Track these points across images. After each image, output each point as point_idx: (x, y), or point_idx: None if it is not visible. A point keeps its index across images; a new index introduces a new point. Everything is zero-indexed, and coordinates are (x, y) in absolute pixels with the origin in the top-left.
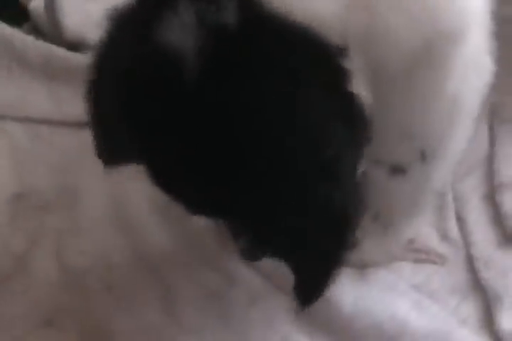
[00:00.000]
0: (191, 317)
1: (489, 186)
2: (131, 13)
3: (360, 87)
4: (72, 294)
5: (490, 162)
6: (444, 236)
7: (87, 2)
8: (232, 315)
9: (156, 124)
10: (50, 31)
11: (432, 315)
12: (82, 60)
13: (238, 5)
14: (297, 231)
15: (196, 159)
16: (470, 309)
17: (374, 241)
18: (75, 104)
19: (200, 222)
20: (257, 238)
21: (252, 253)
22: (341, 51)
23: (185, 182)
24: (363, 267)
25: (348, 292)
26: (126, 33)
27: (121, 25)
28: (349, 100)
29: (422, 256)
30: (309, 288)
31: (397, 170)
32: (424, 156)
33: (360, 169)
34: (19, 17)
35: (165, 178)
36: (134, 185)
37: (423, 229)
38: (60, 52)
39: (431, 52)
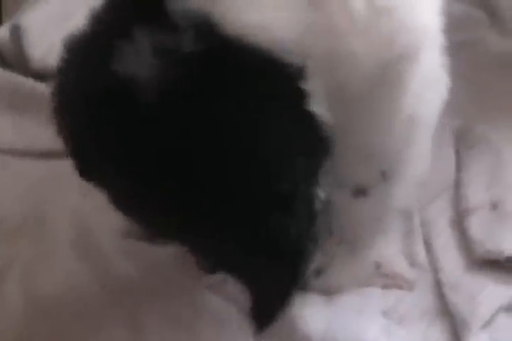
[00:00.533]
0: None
1: (456, 211)
2: (87, 41)
3: (320, 109)
4: (39, 322)
5: (456, 187)
6: (412, 261)
7: (52, 32)
8: (197, 337)
9: (113, 150)
10: (16, 61)
11: (401, 339)
12: (48, 89)
13: (196, 32)
14: (250, 259)
15: (150, 183)
16: (438, 334)
17: (340, 265)
18: (40, 134)
19: (165, 250)
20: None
21: (208, 267)
22: (300, 72)
23: (141, 204)
24: (329, 292)
25: (315, 317)
26: (83, 61)
27: (78, 52)
28: (310, 124)
29: (389, 281)
30: (264, 311)
31: (360, 191)
32: (385, 177)
33: (322, 196)
34: None
35: (122, 200)
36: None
37: (390, 254)
38: (27, 82)
39: (386, 73)
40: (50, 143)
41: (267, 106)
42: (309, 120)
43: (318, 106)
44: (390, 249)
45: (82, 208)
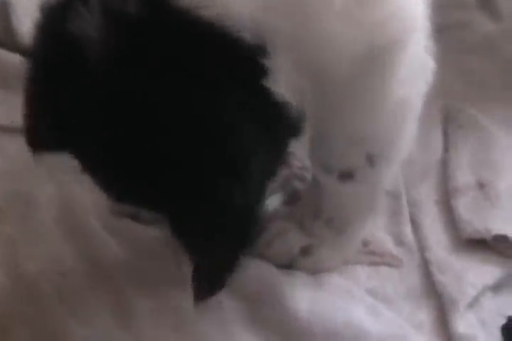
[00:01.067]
0: (145, 324)
1: (443, 191)
2: (55, 5)
3: (283, 88)
4: (23, 301)
5: (444, 167)
6: (399, 241)
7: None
8: (185, 320)
9: (66, 111)
10: (5, 37)
11: (387, 320)
12: None
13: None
14: (197, 223)
15: (97, 147)
16: (425, 313)
17: (327, 245)
18: None
19: (150, 228)
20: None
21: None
22: (257, 49)
23: (94, 168)
24: (316, 272)
25: (302, 296)
26: (47, 24)
27: (47, 17)
28: (265, 99)
29: (376, 258)
30: (206, 282)
31: (346, 175)
32: (371, 160)
33: (281, 169)
34: None
35: (85, 163)
36: (84, 193)
37: (378, 234)
38: (14, 57)
39: (375, 59)
40: None
41: (215, 77)
42: (265, 94)
43: (280, 83)
44: (377, 228)
45: (65, 185)
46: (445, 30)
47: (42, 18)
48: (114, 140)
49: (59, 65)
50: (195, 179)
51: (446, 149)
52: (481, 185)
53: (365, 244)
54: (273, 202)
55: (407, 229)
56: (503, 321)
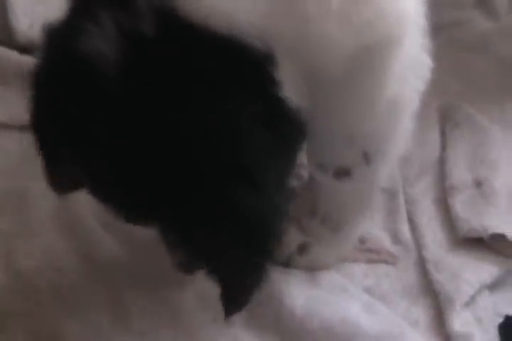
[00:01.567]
0: (140, 321)
1: (441, 189)
2: (61, 26)
3: (290, 92)
4: (20, 298)
5: (441, 165)
6: (396, 239)
7: (36, 5)
8: (181, 317)
9: (82, 128)
10: (3, 36)
11: (383, 317)
12: (33, 62)
13: (156, 16)
14: (215, 237)
15: (117, 164)
16: (421, 311)
17: (323, 243)
18: (22, 107)
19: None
20: (184, 245)
21: (187, 267)
22: (266, 56)
23: (111, 185)
24: (313, 269)
25: (299, 294)
26: (57, 44)
27: (53, 37)
28: (277, 106)
29: (373, 256)
30: (234, 295)
31: (342, 172)
32: (367, 158)
33: (293, 175)
34: None
35: (95, 183)
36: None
37: (374, 231)
38: (12, 54)
39: (369, 57)
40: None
41: (228, 87)
42: (276, 101)
43: (289, 90)
44: (374, 226)
45: None
46: (442, 29)
47: (50, 38)
48: (132, 154)
49: (73, 84)
50: (210, 190)
51: (443, 147)
52: (478, 184)
53: (362, 241)
54: None
55: (404, 227)
56: (500, 319)
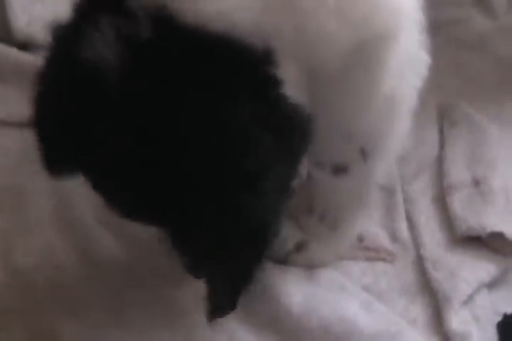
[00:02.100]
0: (138, 318)
1: (439, 188)
2: (63, 30)
3: (292, 91)
4: (18, 295)
5: (439, 164)
6: (394, 238)
7: (35, 2)
8: (178, 315)
9: (84, 130)
10: (1, 32)
11: (381, 315)
12: (32, 59)
13: (152, 19)
14: (215, 239)
15: (124, 168)
16: (419, 310)
17: (321, 241)
18: (21, 104)
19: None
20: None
21: (196, 270)
22: (266, 55)
23: (113, 188)
24: (311, 267)
25: (296, 292)
26: (61, 49)
27: (57, 41)
28: (279, 107)
29: (371, 254)
30: (221, 299)
31: (339, 169)
32: (364, 154)
33: (298, 177)
34: None
35: (98, 183)
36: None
37: (373, 230)
38: (10, 51)
39: (365, 52)
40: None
41: (228, 89)
42: (279, 102)
43: (290, 89)
44: (372, 224)
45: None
46: (440, 27)
47: (53, 44)
48: (135, 157)
49: (75, 89)
50: (213, 196)
51: (441, 146)
52: (476, 182)
53: (360, 239)
54: None
55: (402, 226)
56: (498, 318)
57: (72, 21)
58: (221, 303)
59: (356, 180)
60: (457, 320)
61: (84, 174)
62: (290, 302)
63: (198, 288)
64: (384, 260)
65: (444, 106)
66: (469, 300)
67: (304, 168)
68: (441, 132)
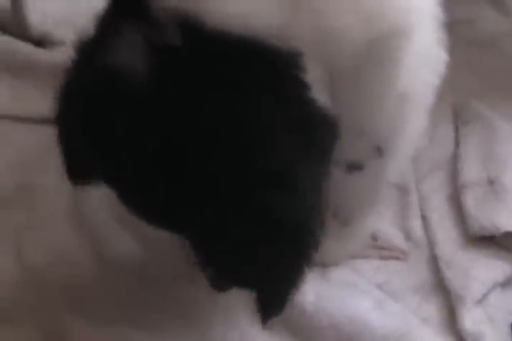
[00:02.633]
0: (150, 317)
1: (453, 186)
2: (90, 41)
3: (318, 92)
4: (30, 292)
5: (454, 162)
6: (408, 236)
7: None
8: (191, 313)
9: (114, 138)
10: (15, 28)
11: (394, 314)
12: (47, 56)
13: (178, 25)
14: (250, 244)
15: (149, 173)
16: (432, 308)
17: (333, 238)
18: (36, 100)
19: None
20: (212, 263)
21: (219, 284)
22: (292, 58)
23: (142, 195)
24: (323, 265)
25: (309, 290)
26: (87, 59)
27: (83, 52)
28: (307, 108)
29: (385, 252)
30: (272, 301)
31: (354, 167)
32: (380, 151)
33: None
34: None
35: (124, 190)
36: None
37: (386, 228)
38: (25, 47)
39: (378, 49)
40: (46, 109)
41: (254, 92)
42: (305, 103)
43: (314, 89)
44: (386, 222)
45: None
46: (454, 26)
47: (81, 51)
48: (162, 162)
49: (102, 97)
50: (243, 198)
51: (456, 144)
52: (490, 181)
53: (374, 238)
54: None
55: (416, 224)
56: None
57: (97, 31)
58: (272, 304)
59: (370, 177)
60: (470, 319)
61: (108, 182)
62: (303, 300)
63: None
64: (397, 258)
65: (457, 105)
66: (483, 299)
67: None
68: (455, 130)
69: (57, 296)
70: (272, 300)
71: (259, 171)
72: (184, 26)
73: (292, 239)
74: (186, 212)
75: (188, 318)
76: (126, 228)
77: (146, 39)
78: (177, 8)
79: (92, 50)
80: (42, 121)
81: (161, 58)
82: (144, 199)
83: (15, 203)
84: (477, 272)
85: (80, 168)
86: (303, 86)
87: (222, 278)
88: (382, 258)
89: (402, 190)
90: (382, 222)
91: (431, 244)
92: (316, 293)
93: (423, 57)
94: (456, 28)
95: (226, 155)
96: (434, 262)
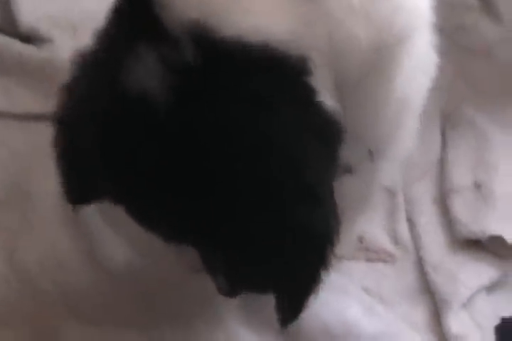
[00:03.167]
0: (139, 316)
1: (440, 190)
2: (94, 58)
3: (331, 101)
4: (24, 295)
5: (441, 166)
6: (395, 239)
7: None
8: (180, 314)
9: (132, 161)
10: (4, 24)
11: (382, 318)
12: (36, 52)
13: (195, 43)
14: (277, 257)
15: (172, 190)
16: (419, 312)
17: None
18: (26, 97)
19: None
20: (232, 272)
21: (230, 290)
22: (305, 66)
23: (161, 213)
24: None
25: None
26: (93, 77)
27: (87, 69)
28: (321, 116)
29: (372, 255)
30: (292, 307)
31: (345, 170)
32: (372, 156)
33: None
34: None
35: (141, 211)
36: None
37: (373, 231)
38: (14, 44)
39: (385, 56)
40: (36, 106)
41: (277, 104)
42: (318, 111)
43: (327, 97)
44: (373, 225)
45: None
46: (446, 32)
47: (81, 70)
48: (189, 184)
49: (118, 117)
50: (277, 215)
51: (443, 149)
52: (477, 186)
53: (361, 240)
54: None
55: (403, 228)
56: (497, 321)
57: (107, 51)
58: (291, 310)
59: (361, 181)
60: (456, 323)
61: (124, 203)
62: None
63: (200, 288)
64: (384, 261)
65: (446, 109)
66: (469, 303)
67: None
68: (443, 134)
69: (51, 299)
70: (291, 306)
71: (294, 187)
72: (199, 42)
73: (317, 249)
74: (210, 227)
75: (174, 319)
76: (120, 233)
77: (163, 59)
78: (188, 19)
79: (105, 68)
80: (31, 118)
81: (178, 77)
82: (166, 219)
83: (8, 205)
84: (464, 276)
85: (81, 191)
86: (316, 93)
87: (238, 286)
88: (369, 260)
89: (390, 193)
90: (370, 224)
91: (418, 247)
92: None
93: (420, 61)
94: (449, 35)
95: (255, 174)
96: (420, 266)
